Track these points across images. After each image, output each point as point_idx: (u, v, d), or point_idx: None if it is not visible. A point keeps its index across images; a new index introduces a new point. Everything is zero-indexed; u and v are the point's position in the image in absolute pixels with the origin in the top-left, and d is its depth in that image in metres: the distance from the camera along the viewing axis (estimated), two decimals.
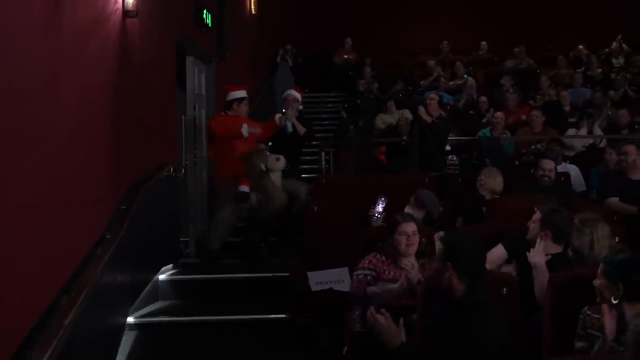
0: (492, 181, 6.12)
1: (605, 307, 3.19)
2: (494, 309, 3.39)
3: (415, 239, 4.50)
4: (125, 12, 5.44)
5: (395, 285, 4.31)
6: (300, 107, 7.68)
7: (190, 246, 7.43)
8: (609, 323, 3.13)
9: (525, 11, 14.94)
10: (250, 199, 6.81)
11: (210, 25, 8.14)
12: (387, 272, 4.47)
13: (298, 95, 7.74)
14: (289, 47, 12.80)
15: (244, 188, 6.79)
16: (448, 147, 8.33)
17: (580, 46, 13.53)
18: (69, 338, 3.96)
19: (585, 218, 4.30)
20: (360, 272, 4.51)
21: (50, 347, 3.75)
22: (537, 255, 4.16)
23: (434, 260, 3.76)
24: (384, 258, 4.54)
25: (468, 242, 3.54)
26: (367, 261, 4.55)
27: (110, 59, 5.19)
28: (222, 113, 7.19)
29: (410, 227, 4.50)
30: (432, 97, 7.97)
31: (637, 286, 3.13)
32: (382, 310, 3.40)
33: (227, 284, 6.30)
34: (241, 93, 7.14)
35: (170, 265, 6.59)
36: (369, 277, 4.45)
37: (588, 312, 3.33)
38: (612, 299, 3.16)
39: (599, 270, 3.28)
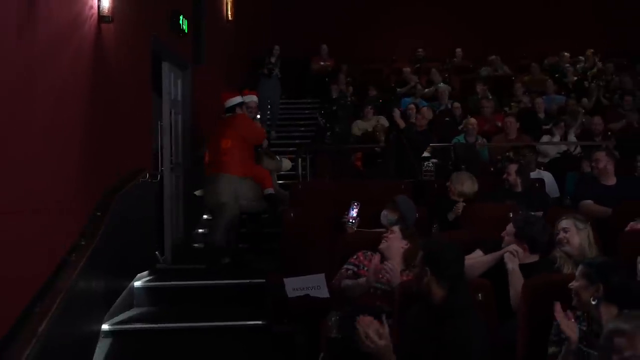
0: (459, 186, 6.13)
1: (566, 313, 3.21)
2: (474, 314, 3.41)
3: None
4: (101, 18, 5.41)
5: (362, 280, 4.37)
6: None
7: (166, 253, 7.39)
8: (571, 327, 3.16)
9: (500, 19, 15.07)
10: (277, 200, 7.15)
11: (186, 31, 8.13)
12: (366, 269, 4.50)
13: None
14: (277, 47, 12.49)
15: (270, 190, 7.05)
16: (427, 154, 8.38)
17: (567, 53, 13.66)
18: (42, 345, 3.93)
19: (579, 217, 4.46)
20: (344, 266, 4.62)
21: (24, 354, 3.72)
22: (513, 260, 4.19)
23: (414, 266, 3.78)
24: (372, 257, 4.55)
25: (448, 247, 3.56)
26: (355, 256, 4.65)
27: (86, 64, 5.16)
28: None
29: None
30: (426, 112, 8.08)
31: (616, 288, 3.18)
32: (380, 331, 3.13)
33: (203, 291, 6.28)
34: (238, 99, 7.29)
35: (146, 272, 6.55)
36: (349, 272, 4.54)
37: None
38: (591, 300, 3.20)
39: (577, 272, 3.32)
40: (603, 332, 2.48)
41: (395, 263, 4.43)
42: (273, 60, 12.13)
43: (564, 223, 4.42)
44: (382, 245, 4.59)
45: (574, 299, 3.29)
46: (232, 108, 7.17)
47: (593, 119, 9.31)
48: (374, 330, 3.06)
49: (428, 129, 8.21)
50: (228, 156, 6.87)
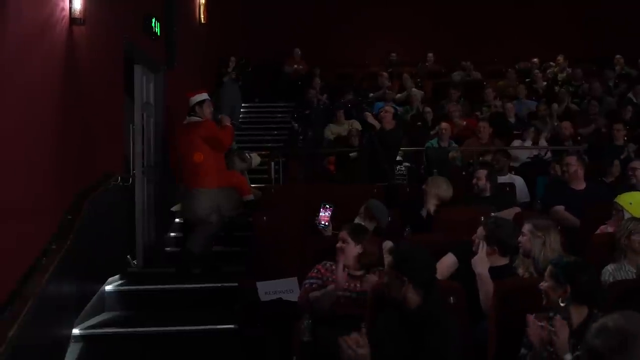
0: (436, 189, 6.15)
1: (534, 318, 3.24)
2: (449, 319, 3.43)
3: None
4: (73, 20, 5.37)
5: (330, 287, 4.30)
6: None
7: (138, 256, 7.34)
8: (536, 333, 3.18)
9: (472, 24, 15.15)
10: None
11: (159, 33, 8.09)
12: (333, 280, 4.46)
13: None
14: (232, 59, 12.54)
15: (250, 197, 7.01)
16: (399, 158, 8.40)
17: (535, 59, 13.83)
18: (13, 350, 3.89)
19: (539, 223, 4.45)
20: (307, 281, 4.52)
21: None
22: (480, 265, 4.23)
23: (384, 272, 3.78)
24: (334, 267, 4.51)
25: (419, 253, 3.58)
26: (315, 270, 4.56)
27: (57, 66, 5.12)
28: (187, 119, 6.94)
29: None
30: (388, 109, 7.88)
31: (584, 288, 3.21)
32: (359, 342, 3.08)
33: (175, 294, 6.25)
34: (202, 96, 6.95)
35: (117, 276, 6.51)
36: (314, 286, 4.46)
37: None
38: (560, 302, 3.23)
39: (546, 273, 3.35)
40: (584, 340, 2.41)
41: (351, 268, 4.44)
42: (230, 70, 12.14)
43: (524, 227, 4.48)
44: (341, 257, 4.48)
45: (544, 300, 3.33)
46: (193, 107, 6.86)
47: (562, 124, 9.43)
48: (354, 342, 3.05)
49: (396, 128, 8.07)
50: (203, 170, 6.69)
